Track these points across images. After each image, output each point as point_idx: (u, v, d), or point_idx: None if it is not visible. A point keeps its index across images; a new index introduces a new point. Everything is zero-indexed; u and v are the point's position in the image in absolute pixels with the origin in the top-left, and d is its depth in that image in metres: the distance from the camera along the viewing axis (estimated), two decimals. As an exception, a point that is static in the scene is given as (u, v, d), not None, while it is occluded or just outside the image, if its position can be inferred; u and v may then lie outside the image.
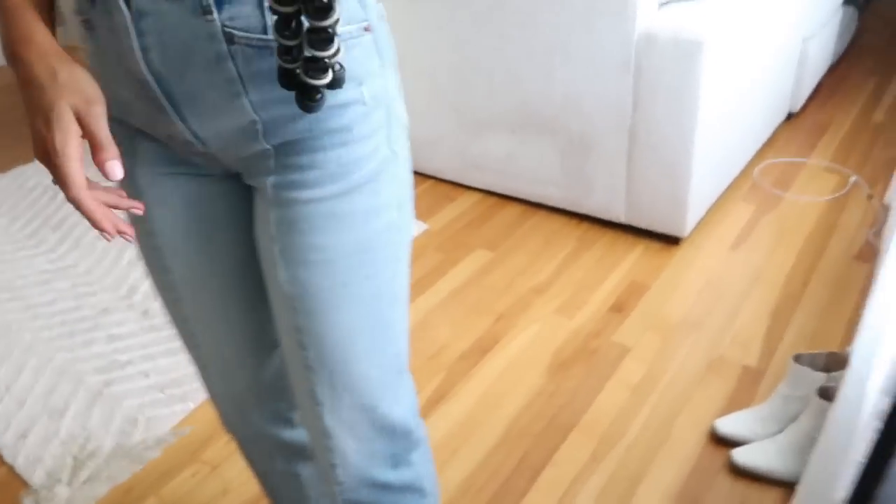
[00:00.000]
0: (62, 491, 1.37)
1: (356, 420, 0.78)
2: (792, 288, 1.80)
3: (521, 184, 2.19)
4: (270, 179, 0.69)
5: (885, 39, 3.34)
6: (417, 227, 2.15)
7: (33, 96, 0.59)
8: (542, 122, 2.03)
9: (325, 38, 0.57)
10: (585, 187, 2.05)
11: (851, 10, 3.06)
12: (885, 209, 2.01)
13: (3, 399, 1.64)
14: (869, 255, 1.88)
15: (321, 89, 0.60)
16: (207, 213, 0.77)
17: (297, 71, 0.59)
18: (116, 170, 0.60)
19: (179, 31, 0.61)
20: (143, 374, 1.68)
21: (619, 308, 1.78)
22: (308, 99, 0.61)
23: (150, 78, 0.64)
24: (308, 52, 0.58)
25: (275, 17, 0.57)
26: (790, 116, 2.64)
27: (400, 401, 0.81)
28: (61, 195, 2.54)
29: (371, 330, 0.75)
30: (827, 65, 2.82)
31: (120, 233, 0.63)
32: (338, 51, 0.60)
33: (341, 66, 0.60)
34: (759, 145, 2.36)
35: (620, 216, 2.03)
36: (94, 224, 0.61)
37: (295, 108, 0.64)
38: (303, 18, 0.57)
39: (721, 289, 1.81)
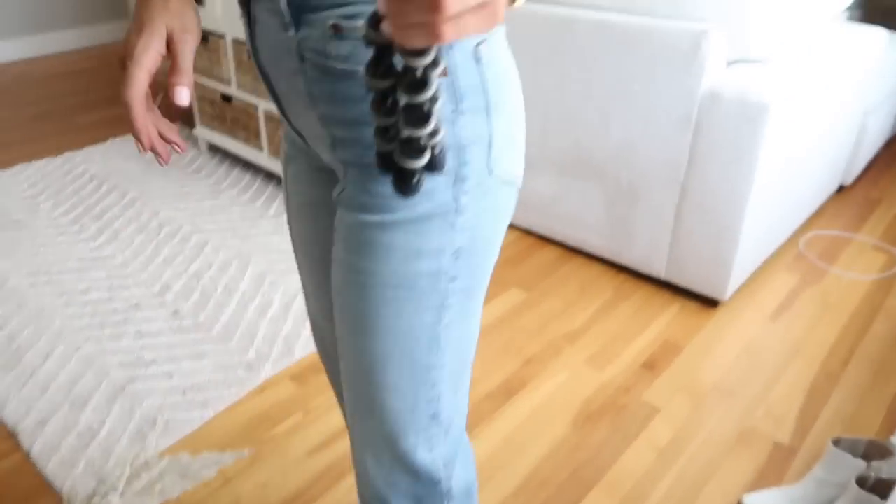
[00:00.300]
0: (114, 500, 1.36)
1: (378, 445, 0.78)
2: (831, 366, 1.74)
3: (563, 226, 2.17)
4: (337, 190, 0.71)
5: (943, 120, 3.28)
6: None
7: (141, 8, 0.65)
8: (593, 167, 2.01)
9: (420, 115, 0.54)
10: (628, 238, 2.02)
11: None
12: (935, 296, 1.95)
13: (27, 384, 1.65)
14: (914, 342, 1.83)
15: (418, 172, 0.57)
16: (315, 196, 0.83)
17: (394, 153, 0.57)
18: (183, 95, 0.65)
19: (274, 40, 0.67)
20: (167, 375, 1.67)
21: (651, 366, 1.74)
22: (403, 182, 0.58)
23: (260, 73, 0.72)
24: (404, 132, 0.56)
25: (371, 95, 0.55)
26: (841, 188, 2.60)
27: (431, 447, 0.78)
28: (106, 186, 2.58)
29: (399, 367, 0.73)
30: (884, 140, 2.77)
31: (154, 152, 0.68)
32: (436, 131, 0.56)
33: (442, 148, 0.57)
34: (807, 215, 2.31)
35: (661, 271, 2.00)
36: (134, 130, 0.66)
37: (354, 132, 0.66)
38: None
39: (757, 358, 1.77)
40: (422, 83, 0.52)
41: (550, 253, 2.20)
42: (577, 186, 2.07)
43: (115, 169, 2.71)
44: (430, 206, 0.67)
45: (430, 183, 0.67)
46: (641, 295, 2.01)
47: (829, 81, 1.96)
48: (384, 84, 0.55)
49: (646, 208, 1.95)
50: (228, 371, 1.69)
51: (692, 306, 1.96)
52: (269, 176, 2.67)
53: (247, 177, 2.68)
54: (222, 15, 2.44)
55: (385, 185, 0.67)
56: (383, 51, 0.53)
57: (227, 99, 2.61)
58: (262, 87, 2.41)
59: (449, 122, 0.65)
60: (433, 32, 0.42)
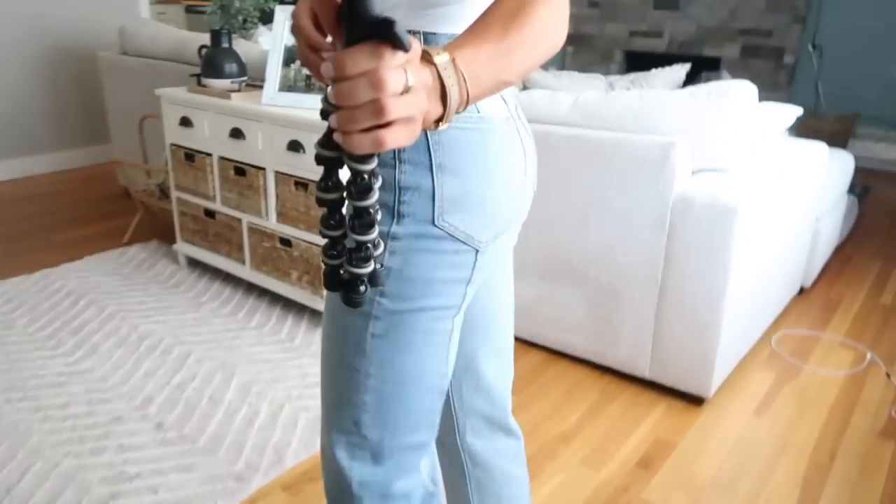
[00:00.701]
0: None
1: (322, 422, 0.91)
2: (820, 459, 1.77)
3: (546, 330, 2.22)
4: None
5: (885, 227, 3.52)
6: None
7: None
8: (573, 271, 2.09)
9: (367, 221, 0.63)
10: (611, 339, 2.08)
11: (853, 197, 3.26)
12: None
13: (3, 502, 1.56)
14: (893, 433, 1.88)
15: (364, 280, 0.65)
16: None
17: (342, 269, 0.66)
18: None
19: None
20: (152, 490, 1.60)
21: (647, 464, 1.74)
22: (353, 292, 0.65)
23: None
24: (351, 241, 0.64)
25: (321, 210, 0.65)
26: (801, 291, 2.73)
27: (351, 456, 0.87)
28: (83, 301, 2.55)
29: (331, 353, 0.87)
30: (834, 245, 2.96)
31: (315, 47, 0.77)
32: (378, 242, 0.65)
33: (382, 264, 0.65)
34: (775, 315, 2.42)
35: (644, 371, 2.04)
36: (301, 36, 0.75)
37: None
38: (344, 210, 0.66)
39: (749, 454, 1.79)
40: (368, 189, 0.62)
41: (535, 357, 2.23)
42: (559, 290, 2.14)
43: (93, 285, 2.69)
44: None
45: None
46: (628, 395, 2.04)
47: (785, 188, 2.12)
48: (333, 196, 0.65)
49: (627, 309, 2.02)
50: (217, 483, 1.63)
51: (678, 404, 1.99)
52: (251, 288, 2.68)
53: (227, 290, 2.68)
54: (209, 135, 2.54)
55: None
56: (332, 167, 0.64)
57: (210, 214, 2.67)
58: (246, 202, 2.48)
59: (391, 166, 0.79)
60: (377, 139, 0.55)
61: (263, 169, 2.39)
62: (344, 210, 0.66)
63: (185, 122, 2.61)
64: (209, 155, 2.57)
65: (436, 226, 0.79)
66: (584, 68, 5.46)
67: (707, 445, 1.82)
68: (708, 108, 1.87)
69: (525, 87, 2.44)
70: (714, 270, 1.84)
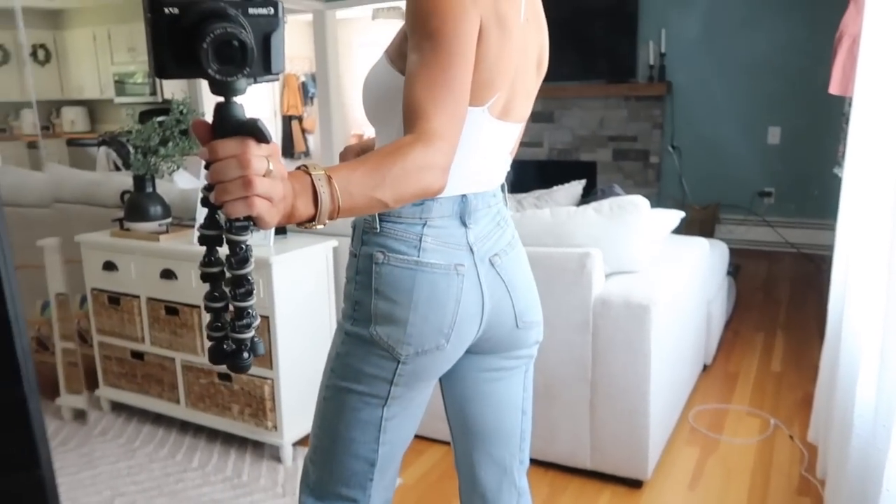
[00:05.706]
0: None
1: None
2: (752, 523, 1.97)
3: (489, 434, 2.33)
4: None
5: (759, 300, 3.96)
6: (393, 481, 2.20)
7: None
8: (509, 376, 2.25)
9: (246, 290, 0.72)
10: (551, 436, 2.22)
11: (730, 277, 3.67)
12: (811, 447, 2.31)
13: None
14: (807, 490, 2.11)
15: (247, 346, 0.72)
16: None
17: (224, 343, 0.73)
18: None
19: None
20: None
21: (605, 551, 1.86)
22: (238, 360, 0.72)
23: None
24: (235, 304, 0.72)
25: (206, 286, 0.74)
26: (705, 368, 3.02)
27: (305, 483, 1.16)
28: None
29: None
30: (724, 323, 3.31)
31: None
32: (255, 312, 0.71)
33: (259, 338, 0.73)
34: (688, 394, 2.67)
35: (586, 462, 2.19)
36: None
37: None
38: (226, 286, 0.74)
39: (691, 527, 1.95)
40: (245, 259, 0.72)
41: (481, 461, 2.33)
42: (498, 395, 2.28)
43: (11, 444, 2.54)
44: (341, 320, 1.10)
45: (348, 302, 1.07)
46: (575, 487, 2.17)
47: (682, 280, 2.41)
48: (215, 270, 0.74)
49: (563, 407, 2.18)
50: None
51: (621, 490, 2.14)
52: (185, 426, 2.64)
53: (160, 432, 2.62)
54: (136, 278, 2.56)
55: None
56: (212, 245, 0.74)
57: (138, 356, 2.63)
58: (179, 341, 2.48)
59: (352, 281, 1.06)
60: (249, 202, 0.67)
61: (198, 307, 2.42)
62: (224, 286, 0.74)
63: (109, 266, 2.62)
64: (136, 297, 2.58)
65: (369, 332, 1.04)
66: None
67: (654, 525, 1.97)
68: (612, 221, 2.14)
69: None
70: (636, 362, 2.05)
